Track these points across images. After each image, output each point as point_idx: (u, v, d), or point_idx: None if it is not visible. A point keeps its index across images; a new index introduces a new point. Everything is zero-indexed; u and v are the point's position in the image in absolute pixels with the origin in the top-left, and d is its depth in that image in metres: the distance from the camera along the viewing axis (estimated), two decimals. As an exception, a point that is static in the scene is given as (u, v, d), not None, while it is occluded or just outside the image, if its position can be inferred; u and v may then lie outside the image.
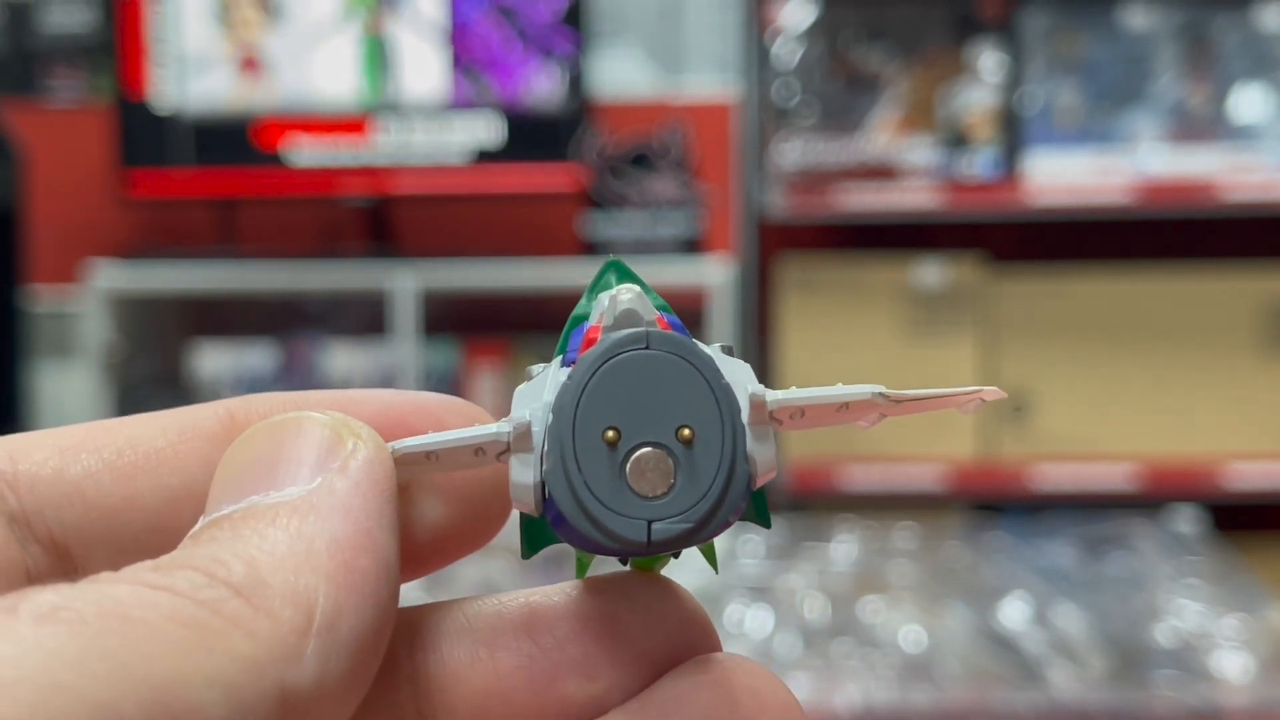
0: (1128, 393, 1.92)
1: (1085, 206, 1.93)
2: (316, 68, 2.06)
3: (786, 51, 2.00)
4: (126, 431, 0.22)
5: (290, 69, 2.06)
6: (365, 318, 2.10)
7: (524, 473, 0.20)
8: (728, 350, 0.21)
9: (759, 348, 2.05)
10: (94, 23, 2.21)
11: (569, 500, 0.19)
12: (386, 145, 2.06)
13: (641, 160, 2.05)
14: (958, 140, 1.95)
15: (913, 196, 1.92)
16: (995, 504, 1.98)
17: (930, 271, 1.96)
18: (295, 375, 2.09)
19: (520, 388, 0.21)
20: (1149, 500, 1.89)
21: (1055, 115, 1.97)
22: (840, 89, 2.00)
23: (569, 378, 0.20)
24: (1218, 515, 1.91)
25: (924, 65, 1.99)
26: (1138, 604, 1.66)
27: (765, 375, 1.99)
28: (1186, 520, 1.88)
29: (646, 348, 0.20)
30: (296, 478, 0.19)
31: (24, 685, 0.15)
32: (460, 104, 2.05)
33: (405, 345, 2.00)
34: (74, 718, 0.15)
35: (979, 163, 1.95)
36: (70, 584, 0.17)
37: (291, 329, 2.13)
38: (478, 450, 0.20)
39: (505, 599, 0.22)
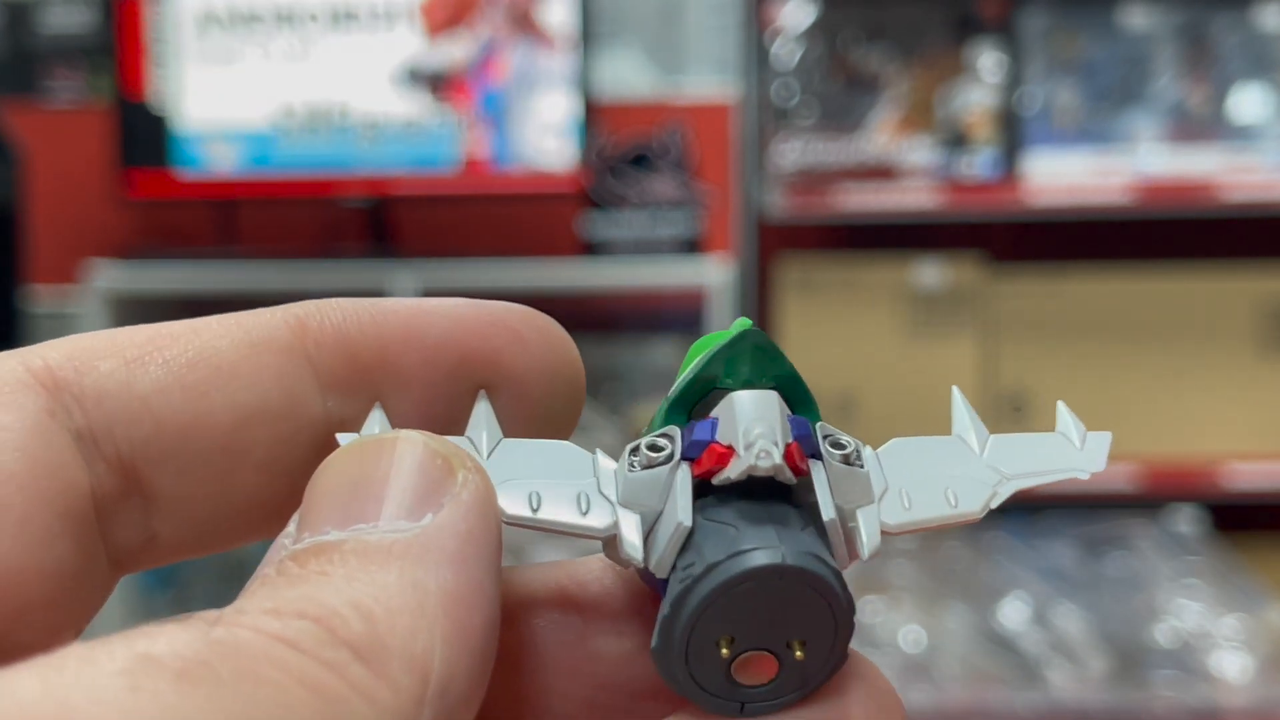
0: (1127, 393, 1.92)
1: (1084, 206, 1.93)
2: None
3: (786, 52, 2.00)
4: (194, 341, 0.21)
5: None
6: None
7: (633, 544, 0.20)
8: (852, 458, 0.21)
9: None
10: (93, 23, 2.21)
11: (670, 675, 0.20)
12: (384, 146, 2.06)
13: (641, 160, 2.05)
14: (957, 140, 1.95)
15: (912, 196, 1.92)
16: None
17: (930, 271, 1.96)
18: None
19: (634, 474, 0.20)
20: (1149, 500, 1.89)
21: (1054, 115, 1.97)
22: (840, 89, 2.00)
23: (689, 580, 0.19)
24: (1218, 515, 1.91)
25: (923, 65, 1.99)
26: (1137, 604, 1.66)
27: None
28: (1186, 520, 1.88)
29: (781, 577, 0.19)
30: (404, 508, 0.18)
31: None
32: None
33: (405, 345, 2.00)
34: None
35: (978, 163, 1.95)
36: (187, 626, 0.16)
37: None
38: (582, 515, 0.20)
39: (537, 565, 0.22)
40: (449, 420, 0.21)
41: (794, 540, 0.19)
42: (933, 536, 1.67)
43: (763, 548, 0.19)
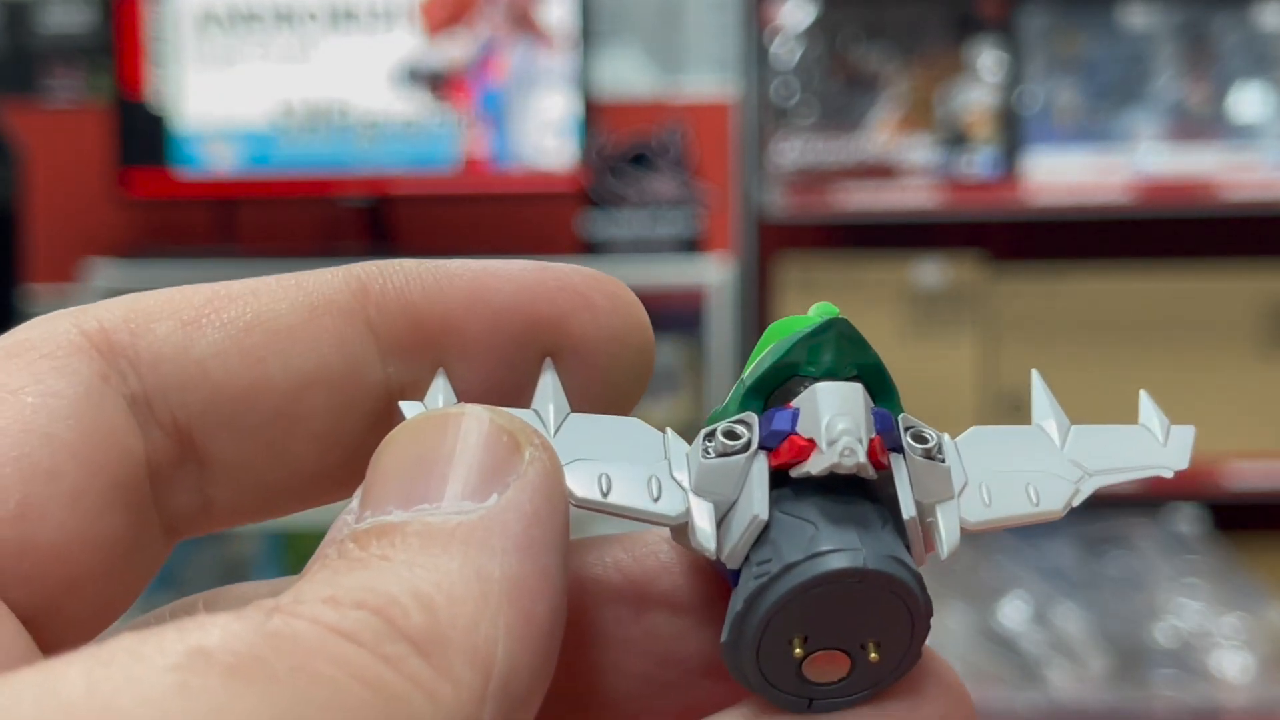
0: (1127, 392, 1.91)
1: (1085, 206, 1.93)
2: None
3: (786, 51, 2.00)
4: (253, 303, 0.20)
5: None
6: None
7: (706, 533, 0.20)
8: (933, 452, 0.20)
9: (758, 347, 2.04)
10: (93, 23, 2.21)
11: (739, 670, 0.19)
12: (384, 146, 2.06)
13: (641, 160, 2.05)
14: (957, 139, 1.95)
15: (912, 196, 1.92)
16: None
17: (930, 271, 1.96)
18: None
19: (709, 460, 0.20)
20: (1149, 500, 1.89)
21: (1054, 114, 1.97)
22: (840, 88, 2.00)
23: (765, 578, 0.19)
24: (1218, 515, 1.91)
25: (923, 65, 1.99)
26: (1138, 603, 1.66)
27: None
28: (1186, 520, 1.88)
29: (861, 581, 0.19)
30: (468, 489, 0.18)
31: None
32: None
33: (404, 345, 2.00)
34: None
35: (978, 162, 1.94)
36: (242, 617, 0.16)
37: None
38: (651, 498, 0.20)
39: (593, 540, 0.21)
40: (514, 387, 0.21)
41: (874, 542, 0.19)
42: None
43: (843, 549, 0.19)
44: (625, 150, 2.05)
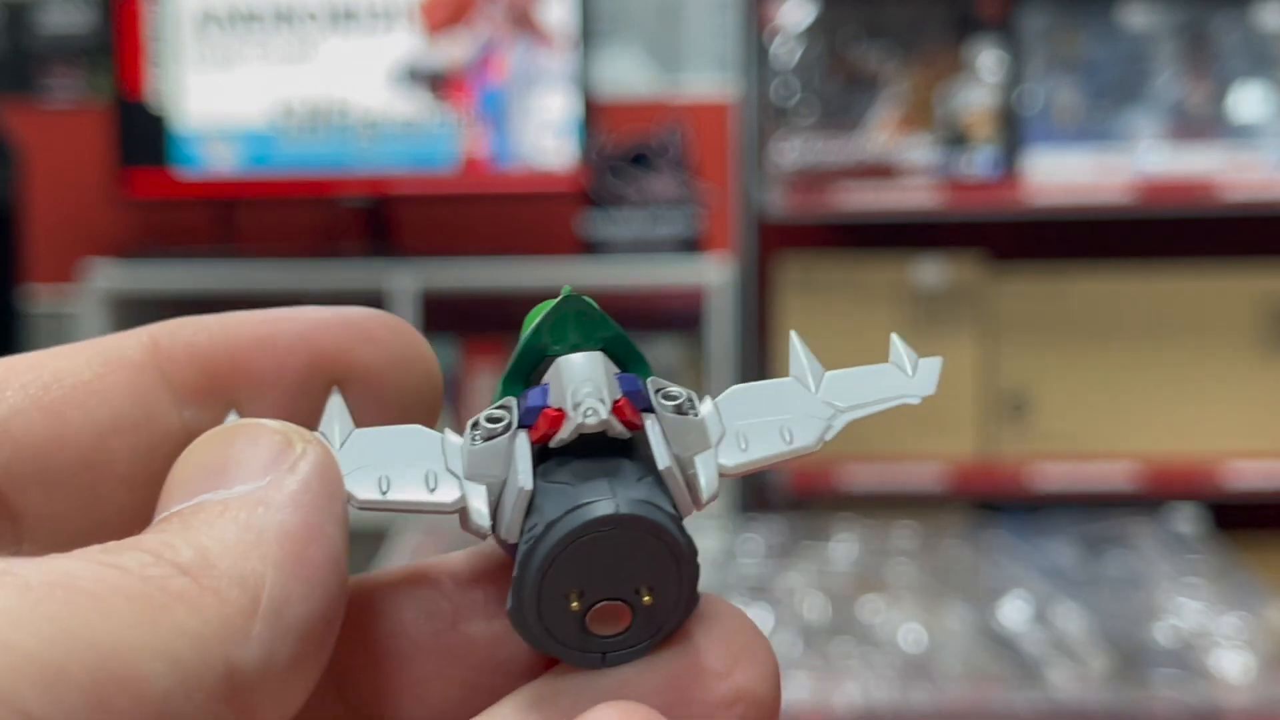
0: (1128, 392, 1.92)
1: (1085, 205, 1.93)
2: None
3: (785, 51, 2.00)
4: (51, 364, 0.21)
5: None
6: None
7: (480, 511, 0.21)
8: (684, 407, 0.22)
9: (758, 347, 2.04)
10: (92, 23, 2.21)
11: (529, 635, 0.20)
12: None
13: (641, 159, 2.05)
14: (957, 139, 1.95)
15: (912, 195, 1.92)
16: (995, 503, 1.98)
17: (930, 270, 1.96)
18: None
19: (475, 446, 0.21)
20: (1149, 499, 1.89)
21: (1055, 114, 1.97)
22: (839, 88, 1.99)
23: (532, 540, 0.20)
24: (1218, 514, 1.91)
25: (923, 64, 1.99)
26: (1138, 603, 1.66)
27: (764, 376, 1.99)
28: (1186, 519, 1.88)
29: (616, 526, 0.20)
30: (246, 477, 0.19)
31: None
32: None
33: (404, 345, 2.00)
34: (21, 674, 0.15)
35: (978, 162, 1.94)
36: (19, 557, 0.17)
37: (290, 329, 2.13)
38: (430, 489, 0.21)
39: (401, 565, 0.22)
40: (306, 419, 0.22)
41: (628, 490, 0.20)
42: (932, 535, 1.68)
43: (597, 500, 0.20)
44: (625, 150, 2.05)
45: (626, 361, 0.22)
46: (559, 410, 0.21)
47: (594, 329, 0.22)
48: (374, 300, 2.02)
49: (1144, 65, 1.97)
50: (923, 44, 1.99)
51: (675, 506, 0.21)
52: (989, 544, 1.77)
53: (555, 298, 0.22)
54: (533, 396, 0.21)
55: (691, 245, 2.02)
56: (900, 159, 1.95)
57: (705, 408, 0.22)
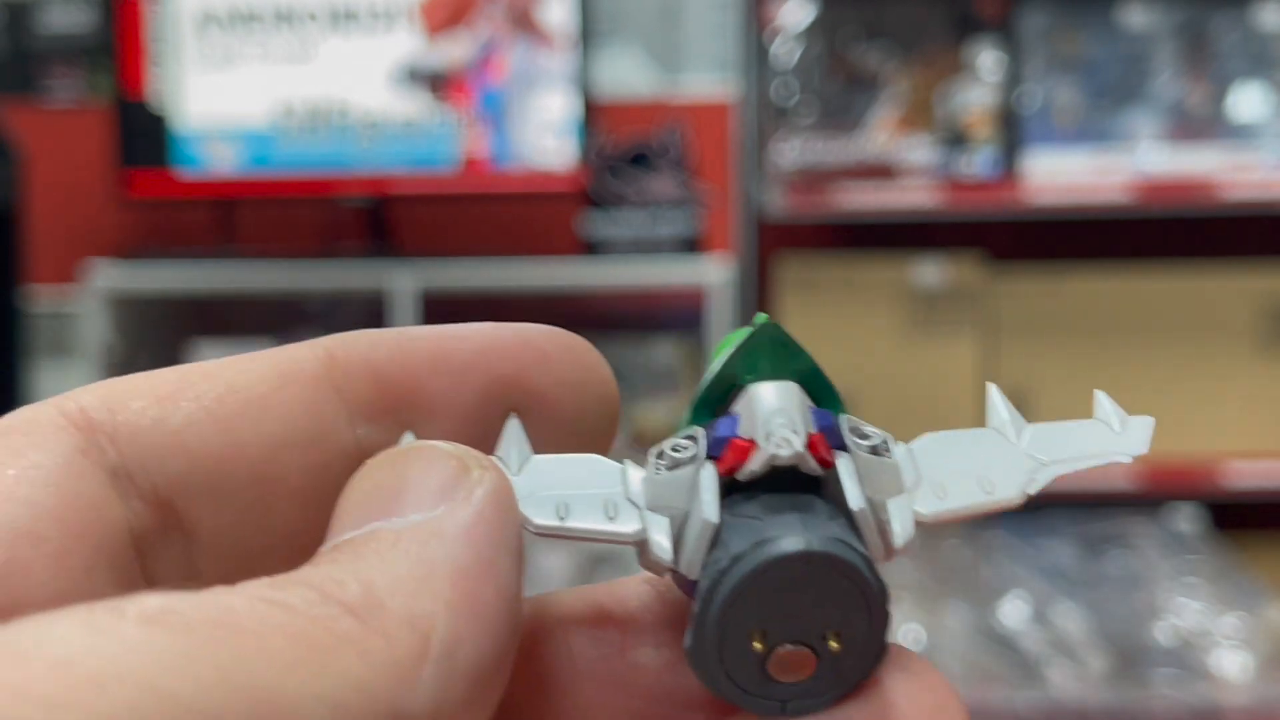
0: (1127, 391, 1.91)
1: (1084, 205, 1.93)
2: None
3: (785, 51, 2.00)
4: (225, 375, 0.21)
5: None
6: (364, 318, 2.10)
7: (661, 544, 0.20)
8: (880, 448, 0.21)
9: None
10: (93, 23, 2.21)
11: (707, 676, 0.19)
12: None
13: (641, 159, 2.05)
14: (957, 139, 1.95)
15: (912, 195, 1.92)
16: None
17: (930, 271, 1.96)
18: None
19: (659, 476, 0.20)
20: (1149, 499, 1.89)
21: (1054, 114, 1.97)
22: (839, 88, 2.00)
23: (716, 575, 0.19)
24: (1218, 514, 1.91)
25: (923, 64, 1.99)
26: (1137, 603, 1.66)
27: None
28: (1186, 519, 1.88)
29: (807, 564, 0.19)
30: (420, 505, 0.18)
31: (122, 685, 0.15)
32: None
33: (405, 345, 2.00)
34: None
35: (978, 162, 1.95)
36: (183, 592, 0.16)
37: (291, 329, 2.13)
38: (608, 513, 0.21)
39: (574, 588, 0.22)
40: (480, 443, 0.21)
41: (819, 527, 0.19)
42: (933, 535, 1.68)
43: (787, 535, 0.19)
44: (625, 150, 2.05)
45: (820, 397, 0.22)
46: (749, 441, 0.20)
47: (789, 360, 0.21)
48: (374, 300, 2.03)
49: (1144, 65, 1.97)
50: (923, 44, 1.99)
51: (867, 549, 0.20)
52: (989, 544, 1.77)
53: (749, 325, 0.22)
54: (721, 426, 0.21)
55: (691, 245, 2.02)
56: (900, 159, 1.95)
57: (899, 451, 0.21)
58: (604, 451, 0.22)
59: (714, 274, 1.98)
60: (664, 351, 2.10)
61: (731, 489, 0.20)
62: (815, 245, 2.12)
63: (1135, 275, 1.96)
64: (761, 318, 0.22)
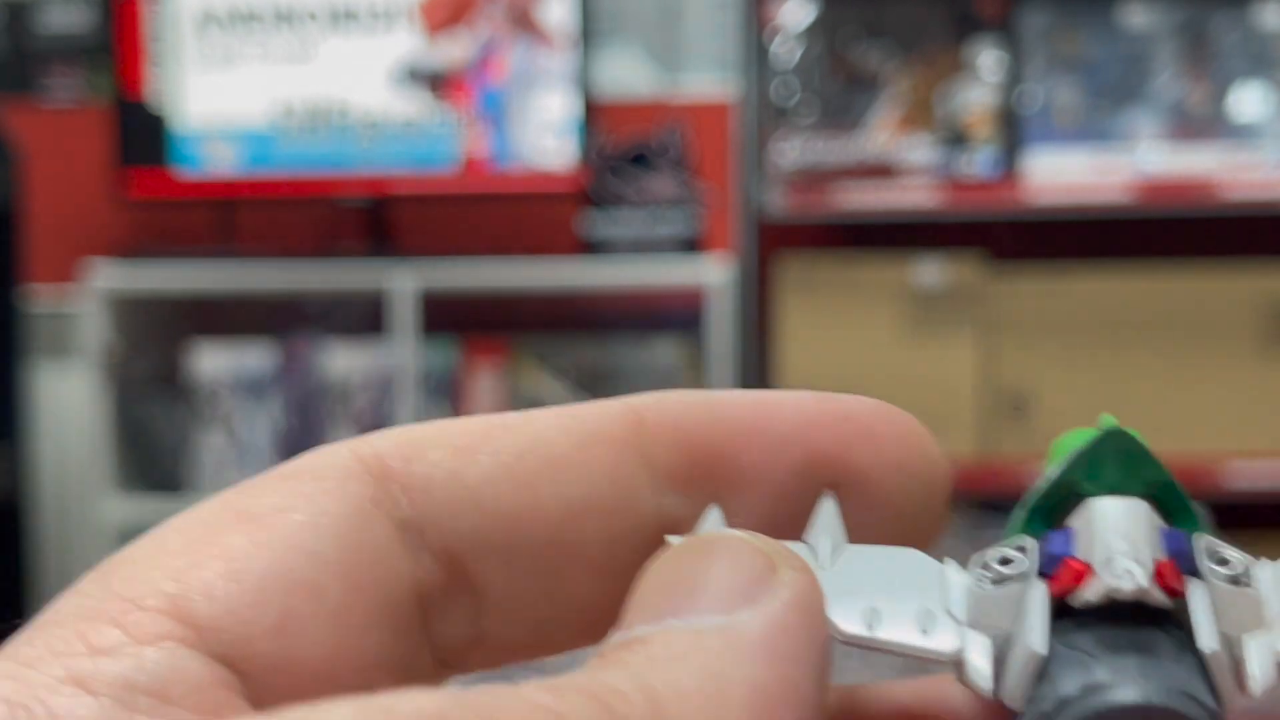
0: (1128, 391, 1.92)
1: (1085, 205, 1.93)
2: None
3: (786, 50, 2.00)
4: (527, 431, 0.20)
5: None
6: (364, 317, 2.09)
7: (980, 670, 0.18)
8: (1241, 577, 0.18)
9: (758, 348, 2.04)
10: (92, 22, 2.21)
11: None
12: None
13: (640, 159, 2.05)
14: (957, 139, 1.95)
15: (912, 195, 1.92)
16: (995, 503, 1.98)
17: (930, 270, 1.96)
18: (294, 375, 2.09)
19: (983, 590, 0.19)
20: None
21: (1055, 114, 1.97)
22: (839, 88, 1.99)
23: (1040, 715, 0.17)
24: (1218, 514, 1.91)
25: (923, 64, 1.99)
26: (1138, 603, 1.66)
27: (764, 375, 1.99)
28: (1186, 519, 1.87)
29: (1144, 717, 0.17)
30: (719, 605, 0.17)
31: None
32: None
33: (404, 345, 2.00)
34: None
35: (978, 161, 1.94)
36: (454, 690, 0.15)
37: (290, 329, 2.13)
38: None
39: (878, 684, 0.20)
40: (792, 522, 0.20)
41: (1161, 673, 0.17)
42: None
43: (1124, 682, 0.17)
44: (625, 150, 2.05)
45: (1172, 513, 0.19)
46: (1085, 565, 0.18)
47: (1139, 471, 0.19)
48: (374, 299, 2.03)
49: (1144, 65, 1.97)
50: (923, 44, 1.99)
51: (1216, 697, 0.17)
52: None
53: (1092, 427, 0.19)
54: (1055, 542, 0.19)
55: (691, 245, 2.02)
56: (900, 159, 1.95)
57: (1265, 576, 0.19)
58: (926, 545, 0.20)
59: (714, 274, 1.97)
60: (664, 352, 2.10)
61: (1062, 611, 0.18)
62: (815, 245, 2.11)
63: (1136, 275, 1.96)
64: (1108, 420, 0.19)
